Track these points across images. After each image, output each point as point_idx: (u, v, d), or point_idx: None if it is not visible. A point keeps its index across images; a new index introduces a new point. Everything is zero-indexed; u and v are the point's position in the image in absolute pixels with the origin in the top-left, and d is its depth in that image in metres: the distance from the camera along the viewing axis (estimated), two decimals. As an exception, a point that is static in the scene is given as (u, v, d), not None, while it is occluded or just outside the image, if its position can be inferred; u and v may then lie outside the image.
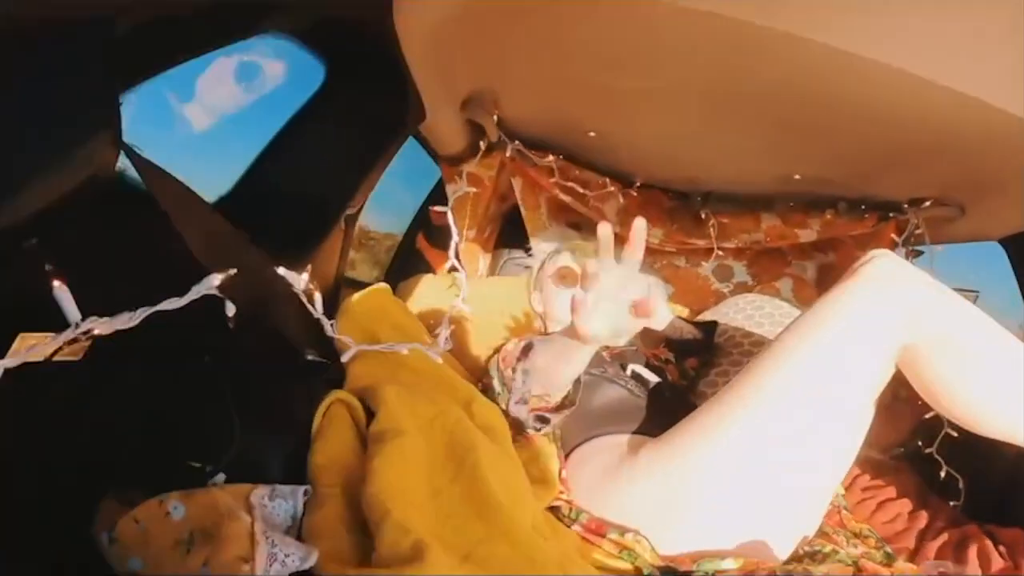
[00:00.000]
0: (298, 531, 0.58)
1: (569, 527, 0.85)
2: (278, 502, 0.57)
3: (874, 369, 0.80)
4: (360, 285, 1.29)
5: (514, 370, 1.02)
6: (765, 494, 0.80)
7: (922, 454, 1.12)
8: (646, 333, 1.41)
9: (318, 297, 0.79)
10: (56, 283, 0.45)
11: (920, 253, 1.33)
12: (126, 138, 0.53)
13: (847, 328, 0.80)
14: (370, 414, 0.73)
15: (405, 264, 1.55)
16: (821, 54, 0.80)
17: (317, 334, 0.81)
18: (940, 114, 0.89)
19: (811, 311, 0.85)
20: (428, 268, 1.56)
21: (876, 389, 0.82)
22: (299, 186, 0.90)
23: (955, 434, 1.01)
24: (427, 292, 1.42)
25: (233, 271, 0.54)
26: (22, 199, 0.44)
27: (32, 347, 0.45)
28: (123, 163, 0.54)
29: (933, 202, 1.27)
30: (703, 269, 1.68)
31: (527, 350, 1.03)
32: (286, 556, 0.50)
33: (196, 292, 0.53)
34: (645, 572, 0.77)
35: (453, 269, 1.40)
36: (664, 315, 1.42)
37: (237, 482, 0.57)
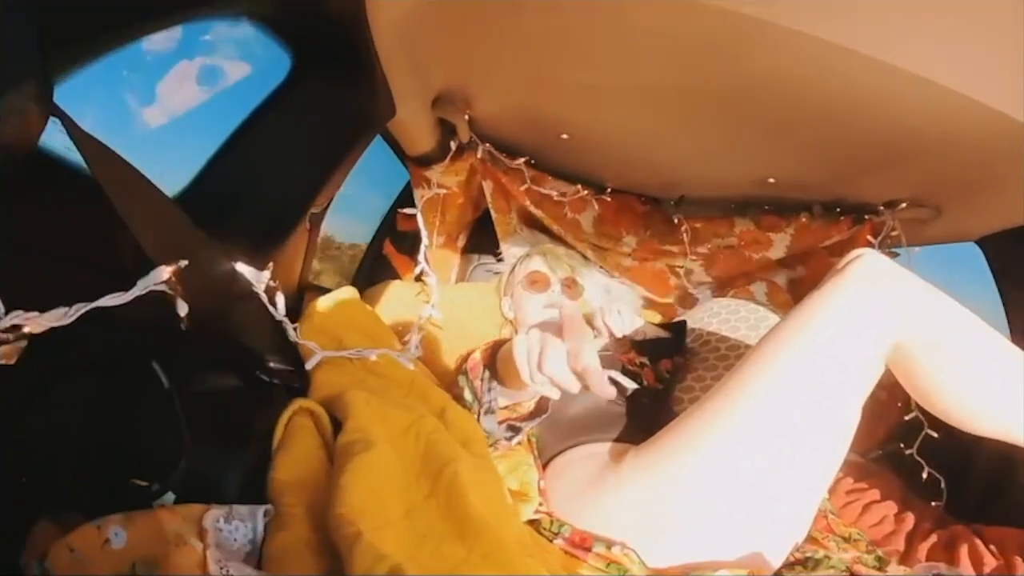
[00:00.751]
0: (258, 557, 0.51)
1: (551, 541, 0.80)
2: (235, 524, 0.50)
3: (864, 366, 0.77)
4: (325, 291, 1.22)
5: (481, 379, 0.97)
6: (756, 500, 0.77)
7: (899, 455, 1.11)
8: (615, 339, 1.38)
9: (280, 298, 0.72)
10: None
11: (896, 256, 1.31)
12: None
13: (838, 325, 0.77)
14: (337, 425, 0.67)
15: (371, 270, 1.49)
16: (796, 48, 0.78)
17: (279, 339, 0.75)
18: (916, 111, 0.88)
19: (799, 309, 0.82)
20: (395, 274, 1.50)
21: (866, 388, 0.79)
22: (261, 181, 0.84)
23: (935, 435, 1.00)
24: (394, 299, 1.37)
25: (184, 263, 0.48)
26: None
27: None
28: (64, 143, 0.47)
29: (909, 203, 1.27)
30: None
31: (492, 358, 0.99)
32: (244, 587, 0.43)
33: (143, 286, 0.46)
34: None
35: (422, 274, 1.35)
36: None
37: (188, 502, 0.51)
